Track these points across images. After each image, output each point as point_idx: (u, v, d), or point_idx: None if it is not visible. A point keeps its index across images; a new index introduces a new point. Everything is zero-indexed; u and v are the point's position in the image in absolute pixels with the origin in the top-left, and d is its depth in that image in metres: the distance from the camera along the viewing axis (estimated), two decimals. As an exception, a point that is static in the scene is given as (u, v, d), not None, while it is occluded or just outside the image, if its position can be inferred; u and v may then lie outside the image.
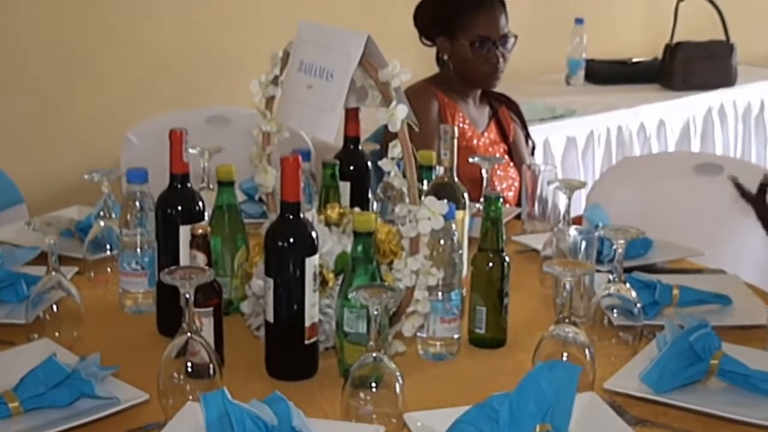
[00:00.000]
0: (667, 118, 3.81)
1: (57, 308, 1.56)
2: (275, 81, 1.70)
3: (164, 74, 3.25)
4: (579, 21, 4.04)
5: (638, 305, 1.58)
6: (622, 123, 3.67)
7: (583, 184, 1.88)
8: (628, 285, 1.59)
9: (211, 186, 2.02)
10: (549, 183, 1.98)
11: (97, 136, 3.13)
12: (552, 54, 4.10)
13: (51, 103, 3.08)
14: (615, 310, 1.58)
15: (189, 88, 3.30)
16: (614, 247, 1.56)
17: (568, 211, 1.83)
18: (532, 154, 2.74)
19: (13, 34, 2.98)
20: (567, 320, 1.41)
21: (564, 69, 4.08)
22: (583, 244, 1.69)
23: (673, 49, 3.99)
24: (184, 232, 1.56)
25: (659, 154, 3.61)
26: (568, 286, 1.40)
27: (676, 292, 1.71)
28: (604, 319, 1.58)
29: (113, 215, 1.83)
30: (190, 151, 1.65)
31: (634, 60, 4.18)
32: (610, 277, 1.58)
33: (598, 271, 1.76)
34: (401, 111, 1.45)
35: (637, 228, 1.58)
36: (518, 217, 2.23)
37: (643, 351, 1.53)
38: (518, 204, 2.45)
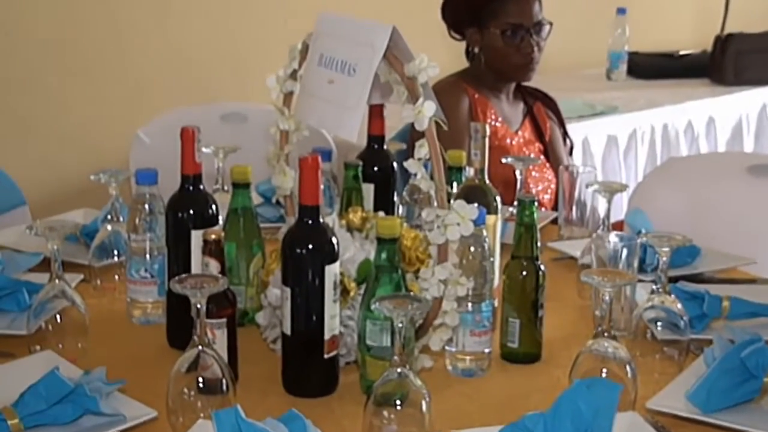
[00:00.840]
0: (717, 115, 3.78)
1: (60, 318, 1.57)
2: (294, 76, 1.70)
3: (176, 69, 3.27)
4: (621, 11, 4.02)
5: (684, 318, 1.56)
6: (667, 121, 3.65)
7: (624, 187, 1.87)
8: (673, 296, 1.58)
9: (225, 188, 2.03)
10: (588, 185, 1.96)
11: (105, 135, 3.15)
12: (592, 46, 4.09)
13: (55, 99, 3.10)
14: (659, 324, 1.56)
15: (203, 84, 3.32)
16: (658, 255, 1.55)
17: (608, 215, 1.82)
18: (570, 154, 2.73)
19: (15, 27, 3.01)
20: (607, 334, 1.40)
21: (605, 62, 4.06)
22: (625, 251, 1.68)
23: (724, 41, 3.96)
24: (196, 237, 1.57)
25: (708, 154, 3.59)
26: (607, 297, 1.39)
27: (726, 303, 1.69)
28: (647, 332, 1.57)
29: (121, 219, 1.84)
30: (203, 150, 1.66)
31: (681, 53, 4.16)
32: (654, 287, 1.57)
33: (640, 280, 1.74)
34: (429, 108, 1.44)
35: (683, 235, 1.56)
36: (554, 221, 2.22)
37: (690, 367, 1.52)
38: (554, 208, 2.44)
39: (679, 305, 1.57)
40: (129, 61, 3.20)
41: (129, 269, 1.73)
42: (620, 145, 3.52)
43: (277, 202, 2.08)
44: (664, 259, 1.54)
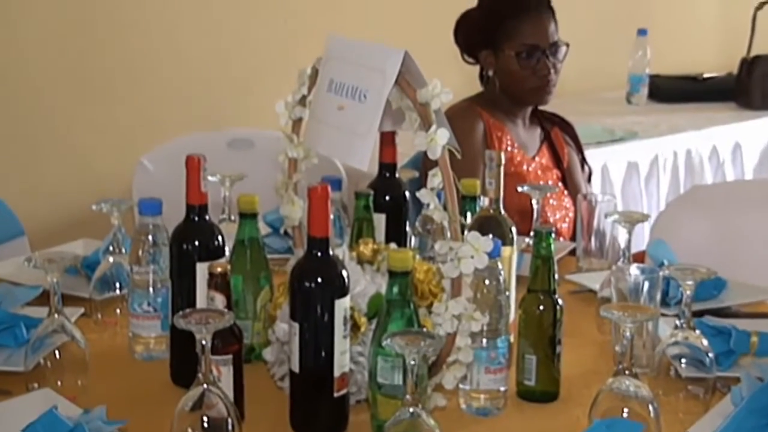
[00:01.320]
0: (744, 140, 3.78)
1: (59, 354, 1.57)
2: (303, 101, 1.71)
3: (182, 94, 3.29)
4: (642, 31, 4.03)
5: (710, 354, 1.55)
6: (691, 146, 3.64)
7: (646, 217, 1.87)
8: (698, 331, 1.57)
9: (232, 218, 2.03)
10: (607, 215, 1.96)
11: (107, 162, 3.16)
12: (611, 69, 4.10)
13: (55, 125, 3.11)
14: (683, 360, 1.56)
15: (209, 109, 3.34)
16: (682, 288, 1.54)
17: (628, 246, 1.82)
18: (589, 181, 2.73)
19: (16, 54, 3.03)
20: (628, 371, 1.39)
21: (625, 86, 4.07)
22: (646, 284, 1.67)
23: (750, 63, 3.96)
24: (202, 270, 1.57)
25: (735, 182, 3.58)
26: (628, 333, 1.38)
27: (754, 339, 1.69)
28: (670, 370, 1.56)
29: (123, 250, 1.85)
30: (209, 178, 1.67)
31: (705, 75, 4.16)
32: (678, 322, 1.56)
33: (663, 315, 1.74)
34: (442, 136, 1.45)
35: (709, 267, 1.56)
36: (573, 252, 2.21)
37: (717, 407, 1.51)
38: (572, 238, 2.43)
39: (705, 341, 1.56)
40: (132, 87, 3.22)
41: (131, 303, 1.74)
42: (641, 173, 3.52)
43: (286, 233, 2.09)
44: (689, 292, 1.54)
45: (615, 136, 3.53)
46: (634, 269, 1.70)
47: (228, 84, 3.37)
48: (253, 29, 3.42)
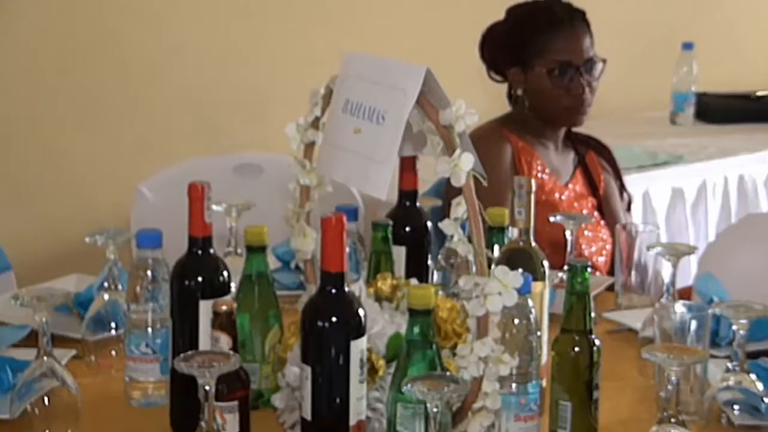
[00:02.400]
0: (803, 165, 3.76)
1: (49, 401, 1.58)
2: (316, 124, 1.72)
3: (185, 116, 3.31)
4: (687, 45, 4.04)
5: (766, 400, 1.55)
6: (743, 171, 3.63)
7: (692, 249, 1.86)
8: (753, 375, 1.57)
9: (238, 251, 2.04)
10: (649, 247, 1.96)
11: (102, 190, 3.18)
12: (653, 86, 4.10)
13: (45, 149, 3.13)
14: (736, 407, 1.55)
15: (214, 132, 3.35)
16: (734, 327, 1.54)
17: (673, 281, 1.82)
18: (628, 210, 2.72)
19: (8, 69, 3.06)
20: (674, 419, 1.39)
21: (668, 105, 4.07)
22: (694, 323, 1.67)
23: (807, 80, 3.95)
24: (205, 308, 1.58)
25: (792, 210, 3.57)
26: (674, 377, 1.38)
27: (813, 384, 1.68)
28: (721, 417, 1.56)
29: (119, 287, 1.86)
30: (214, 208, 1.68)
31: (759, 93, 4.15)
32: (729, 365, 1.56)
33: (712, 357, 1.73)
34: (466, 161, 1.46)
35: (764, 304, 1.56)
36: (611, 288, 2.21)
37: (772, 458, 1.50)
38: (611, 272, 2.43)
39: (760, 385, 1.56)
40: (130, 108, 3.24)
41: (128, 344, 1.74)
42: (687, 200, 3.51)
43: (297, 267, 2.10)
44: (742, 331, 1.53)
45: (658, 160, 3.53)
46: (679, 306, 1.70)
47: (235, 105, 3.39)
48: (263, 46, 3.43)
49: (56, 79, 3.12)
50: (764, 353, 1.83)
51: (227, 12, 3.38)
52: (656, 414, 1.54)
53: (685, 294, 2.03)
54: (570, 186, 2.60)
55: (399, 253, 1.90)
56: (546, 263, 1.71)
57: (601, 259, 2.56)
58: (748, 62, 4.44)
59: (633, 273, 2.14)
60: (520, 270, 1.49)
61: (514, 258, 1.65)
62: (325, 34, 3.47)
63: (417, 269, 1.90)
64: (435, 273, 1.89)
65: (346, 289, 1.47)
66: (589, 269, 1.58)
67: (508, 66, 2.56)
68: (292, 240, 1.78)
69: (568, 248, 2.03)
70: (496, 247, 1.79)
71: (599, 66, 2.53)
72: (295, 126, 1.74)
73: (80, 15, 3.13)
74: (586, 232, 2.54)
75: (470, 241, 1.48)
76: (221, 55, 3.36)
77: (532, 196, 1.68)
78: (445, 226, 1.51)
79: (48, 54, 3.11)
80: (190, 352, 1.37)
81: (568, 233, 2.04)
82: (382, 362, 1.54)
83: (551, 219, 2.06)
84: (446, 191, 2.42)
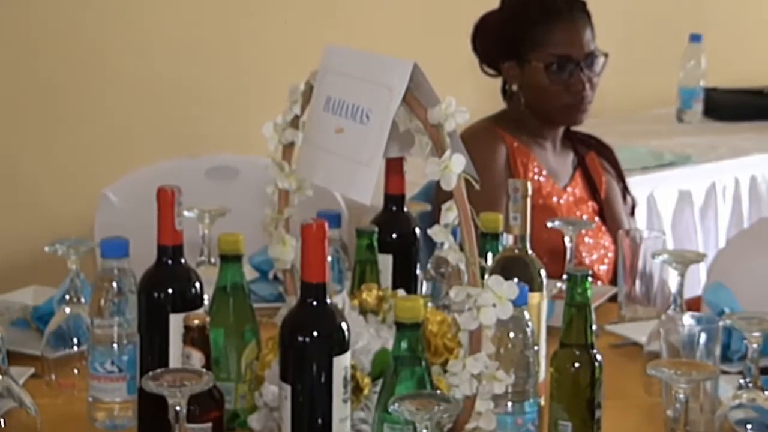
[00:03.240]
0: (819, 165, 3.77)
1: (5, 423, 1.56)
2: (295, 123, 1.72)
3: (153, 114, 3.30)
4: (695, 37, 4.05)
5: (779, 419, 1.56)
6: (756, 172, 3.64)
7: (701, 257, 1.87)
8: (767, 392, 1.57)
9: (211, 260, 2.04)
10: (655, 254, 1.97)
11: (63, 195, 3.17)
12: (658, 82, 4.11)
13: (2, 151, 3.12)
14: (749, 426, 1.55)
15: (185, 132, 3.35)
16: (747, 340, 1.55)
17: (680, 291, 1.82)
18: (632, 214, 2.73)
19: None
20: (681, 440, 1.40)
21: (675, 101, 4.08)
22: (703, 336, 1.68)
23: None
24: (176, 322, 1.58)
25: (809, 213, 3.58)
26: (682, 395, 1.39)
27: (832, 401, 1.68)
28: (732, 437, 1.56)
29: (82, 300, 1.85)
30: (185, 214, 1.68)
31: (772, 88, 4.17)
32: (742, 381, 1.56)
33: (724, 373, 1.74)
34: (457, 163, 1.46)
35: (778, 315, 1.56)
36: (613, 299, 2.22)
37: (787, 482, 1.51)
38: (613, 282, 2.44)
39: (774, 403, 1.56)
40: (92, 107, 3.23)
41: (92, 362, 1.74)
42: (695, 203, 3.52)
43: (275, 277, 2.10)
44: (755, 345, 1.54)
45: (663, 161, 3.53)
46: (687, 318, 1.71)
47: (207, 102, 3.38)
48: (238, 38, 3.43)
49: (6, 75, 3.10)
50: (779, 368, 1.84)
51: (201, 3, 3.37)
52: (663, 434, 1.55)
53: (693, 305, 2.04)
54: (569, 189, 2.60)
55: (385, 262, 1.90)
56: (543, 272, 1.71)
57: (603, 268, 2.56)
58: (761, 55, 4.45)
59: (637, 282, 2.15)
60: (516, 280, 1.50)
61: (509, 267, 1.65)
62: (305, 25, 3.47)
63: (404, 279, 1.91)
64: (424, 283, 1.89)
65: (328, 301, 1.47)
66: (589, 279, 1.58)
67: (503, 60, 2.57)
68: (269, 248, 1.78)
69: (567, 256, 2.04)
70: (490, 256, 1.80)
71: (600, 60, 2.53)
72: (272, 125, 1.74)
73: (32, 3, 3.12)
74: (586, 239, 2.55)
75: (462, 248, 1.48)
76: (192, 48, 3.35)
77: (528, 200, 1.68)
78: (435, 232, 1.52)
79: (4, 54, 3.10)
80: (159, 370, 1.37)
81: (567, 240, 2.04)
82: (367, 380, 1.55)
83: (549, 225, 2.06)
84: (436, 195, 2.42)
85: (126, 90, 3.27)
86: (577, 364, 1.58)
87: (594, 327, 1.60)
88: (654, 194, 3.41)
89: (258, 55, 3.44)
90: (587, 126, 2.64)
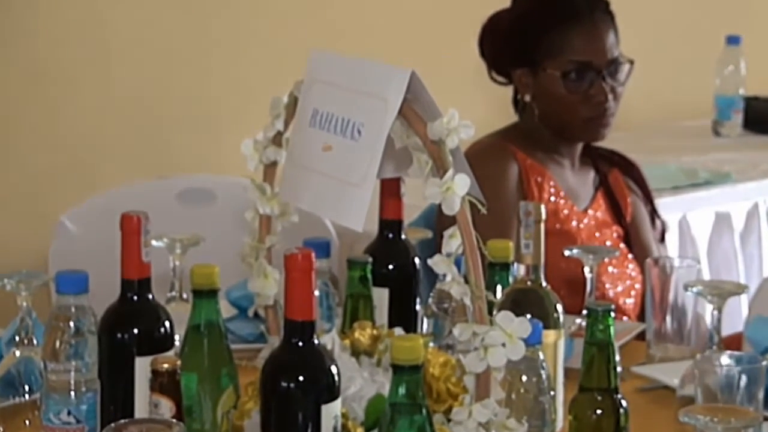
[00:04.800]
0: None
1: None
2: (277, 140, 1.73)
3: (116, 131, 3.29)
4: (733, 39, 4.05)
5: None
6: (804, 192, 3.65)
7: (742, 288, 1.88)
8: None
9: (183, 296, 2.05)
10: (688, 286, 1.98)
11: (13, 222, 3.16)
12: (691, 90, 4.11)
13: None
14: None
15: (152, 151, 3.34)
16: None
17: (718, 328, 1.82)
18: (662, 240, 2.73)
19: None
20: (719, 496, 1.40)
21: (710, 112, 4.08)
22: (744, 378, 1.68)
23: None
24: (142, 366, 1.58)
25: None
26: (719, 445, 1.39)
27: None
28: (775, 493, 1.56)
29: (35, 341, 1.85)
30: (154, 243, 1.68)
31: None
32: (785, 429, 1.57)
33: (767, 419, 1.74)
34: (461, 184, 1.47)
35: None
36: (641, 337, 2.22)
37: None
38: (641, 318, 2.44)
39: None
40: (50, 121, 3.23)
41: (45, 412, 1.73)
42: (735, 228, 3.52)
43: (256, 315, 2.10)
44: (802, 389, 1.54)
45: (698, 180, 3.54)
46: (726, 358, 1.71)
47: (178, 117, 3.38)
48: (213, 45, 3.42)
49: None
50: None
51: (168, 4, 3.37)
52: (698, 490, 1.55)
53: (733, 343, 2.04)
54: (590, 212, 2.60)
55: (380, 296, 1.91)
56: (560, 307, 1.71)
57: (629, 302, 2.56)
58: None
59: (668, 318, 2.15)
60: (528, 316, 1.50)
61: (521, 301, 1.66)
62: (289, 29, 3.47)
63: (402, 316, 1.91)
64: (424, 320, 1.89)
65: (316, 341, 1.48)
66: (613, 314, 1.59)
67: (514, 66, 2.57)
68: (249, 282, 1.78)
69: (588, 288, 2.04)
70: (499, 288, 1.80)
71: (625, 68, 2.54)
72: (252, 142, 1.74)
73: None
74: (609, 269, 2.55)
75: (467, 281, 1.49)
76: (160, 56, 3.35)
77: (543, 225, 1.69)
78: (437, 263, 1.52)
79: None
80: (123, 421, 1.37)
81: (587, 270, 2.04)
82: (360, 430, 1.55)
83: (566, 253, 2.07)
84: (437, 221, 2.43)
85: (85, 104, 3.27)
86: (599, 411, 1.58)
87: (618, 369, 1.60)
88: (687, 217, 3.41)
89: (235, 63, 3.44)
90: (610, 141, 2.64)
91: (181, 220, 2.56)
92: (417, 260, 1.96)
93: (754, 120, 4.07)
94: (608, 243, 2.58)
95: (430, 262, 1.52)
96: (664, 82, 3.99)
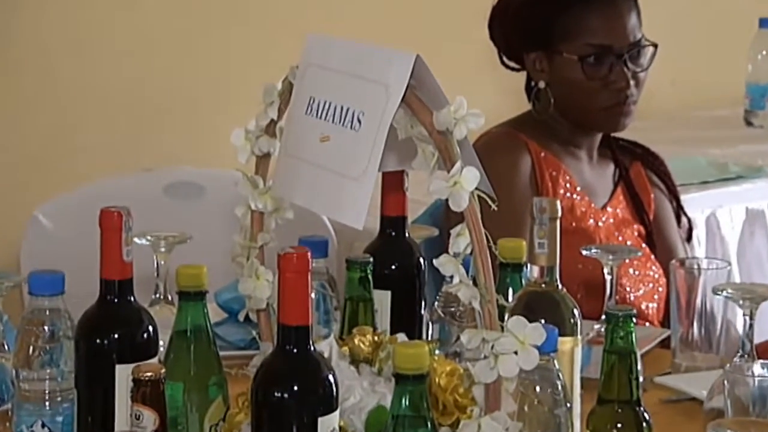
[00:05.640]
0: None
1: None
2: (271, 129, 1.73)
3: (95, 120, 3.30)
4: (765, 22, 4.05)
5: None
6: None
7: (775, 291, 1.88)
8: None
9: (168, 298, 2.05)
10: (717, 289, 1.98)
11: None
12: (720, 76, 4.11)
13: None
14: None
15: (135, 142, 3.35)
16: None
17: (749, 335, 1.82)
18: (688, 240, 2.73)
19: None
20: None
21: (741, 100, 4.08)
22: (776, 390, 1.68)
23: None
24: (123, 374, 1.58)
25: None
26: (749, 462, 1.39)
27: None
28: None
29: (6, 347, 1.85)
30: (136, 241, 1.68)
31: None
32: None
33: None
34: (469, 177, 1.47)
35: None
36: (665, 344, 2.22)
37: None
38: (665, 323, 2.44)
39: None
40: (24, 108, 3.24)
41: (17, 423, 1.73)
42: (769, 226, 3.53)
43: (247, 319, 2.10)
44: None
45: (728, 173, 3.54)
46: (758, 368, 1.71)
47: (163, 106, 3.39)
48: (200, 29, 3.42)
49: None
50: None
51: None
52: None
53: (766, 351, 2.04)
54: (609, 209, 2.61)
55: (382, 299, 1.91)
56: (577, 312, 1.72)
57: (652, 306, 2.57)
58: None
59: (695, 324, 2.15)
60: (543, 321, 1.50)
61: (535, 305, 1.66)
62: (283, 11, 3.47)
63: (406, 321, 1.91)
64: (430, 326, 1.90)
65: (312, 348, 1.48)
66: (634, 319, 1.59)
67: (528, 50, 2.57)
68: (240, 283, 1.78)
69: (607, 291, 2.04)
70: (511, 291, 1.81)
71: (648, 51, 2.54)
72: (243, 133, 1.74)
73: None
74: (630, 270, 2.55)
75: (476, 283, 1.49)
76: (142, 42, 3.36)
77: (558, 223, 1.69)
78: (443, 263, 1.52)
79: None
80: (103, 434, 1.37)
81: (606, 271, 2.04)
82: (360, 445, 1.55)
83: (584, 253, 2.07)
84: (444, 218, 2.43)
85: (64, 91, 3.27)
86: (619, 425, 1.59)
87: (640, 379, 1.60)
88: (716, 215, 3.41)
89: (225, 46, 3.44)
90: (632, 131, 2.64)
91: (166, 215, 2.57)
92: (422, 260, 1.96)
93: (790, 109, 4.08)
94: (629, 242, 2.58)
95: (435, 262, 1.52)
96: (691, 67, 3.99)
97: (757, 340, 1.86)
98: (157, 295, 2.07)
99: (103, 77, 3.31)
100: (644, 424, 1.59)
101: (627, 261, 2.43)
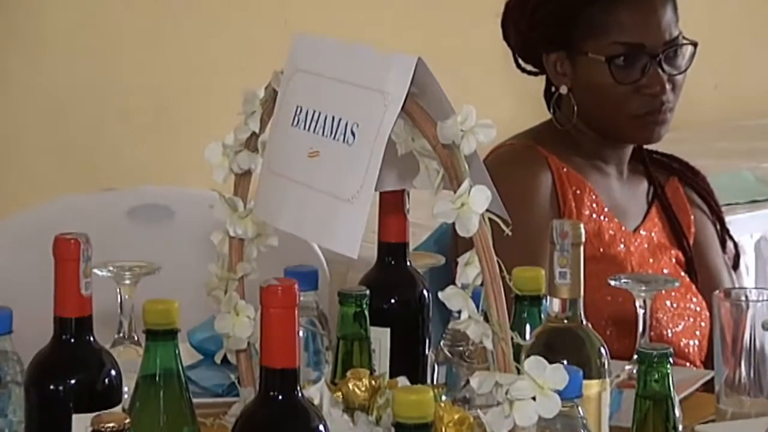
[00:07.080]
0: None
1: None
2: (252, 144, 1.74)
3: (50, 132, 3.30)
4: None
5: None
6: None
7: (833, 327, 1.89)
8: None
9: (134, 338, 2.05)
10: (767, 325, 1.99)
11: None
12: (766, 82, 4.12)
13: None
14: None
15: (94, 157, 3.35)
16: None
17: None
18: (735, 267, 2.73)
19: None
20: None
21: (794, 107, 4.10)
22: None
23: None
24: (81, 425, 1.58)
25: None
26: None
27: None
28: None
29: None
30: (96, 273, 1.69)
31: None
32: None
33: None
34: (479, 198, 1.47)
35: None
36: (709, 387, 2.22)
37: None
38: (708, 364, 2.44)
39: None
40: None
41: (-37, 483, 1.75)
42: (827, 252, 3.53)
43: (225, 361, 2.11)
44: None
45: (779, 192, 3.55)
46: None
47: (127, 116, 3.39)
48: (167, 27, 3.43)
49: None
50: None
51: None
52: None
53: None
54: (642, 232, 2.61)
55: (380, 337, 1.92)
56: (605, 351, 1.72)
57: (693, 343, 2.57)
58: None
59: (743, 363, 2.15)
60: (565, 362, 1.51)
61: (556, 344, 1.67)
62: (266, 8, 3.47)
63: (407, 362, 1.92)
64: (435, 368, 1.91)
65: (300, 394, 1.48)
66: (672, 359, 1.60)
67: (547, 50, 2.58)
68: (217, 321, 1.79)
69: (640, 328, 2.05)
70: (528, 328, 1.81)
71: (686, 51, 2.54)
72: (220, 147, 1.75)
73: None
74: (668, 303, 2.55)
75: (487, 319, 1.50)
76: (103, 44, 3.36)
77: (583, 249, 1.70)
78: (450, 296, 1.53)
79: None
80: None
81: (638, 304, 2.05)
82: (355, 506, 1.56)
83: (613, 283, 2.07)
84: (451, 244, 2.44)
85: (15, 101, 3.28)
86: (654, 481, 1.60)
87: (679, 427, 1.61)
88: (767, 238, 3.41)
89: (198, 48, 3.45)
90: (667, 143, 2.64)
91: (130, 243, 2.57)
92: (425, 293, 1.97)
93: None
94: (665, 271, 2.58)
95: (441, 295, 1.53)
96: (735, 70, 4.00)
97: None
98: (121, 335, 2.07)
99: (58, 88, 3.31)
100: (683, 479, 1.60)
101: (663, 292, 2.43)
